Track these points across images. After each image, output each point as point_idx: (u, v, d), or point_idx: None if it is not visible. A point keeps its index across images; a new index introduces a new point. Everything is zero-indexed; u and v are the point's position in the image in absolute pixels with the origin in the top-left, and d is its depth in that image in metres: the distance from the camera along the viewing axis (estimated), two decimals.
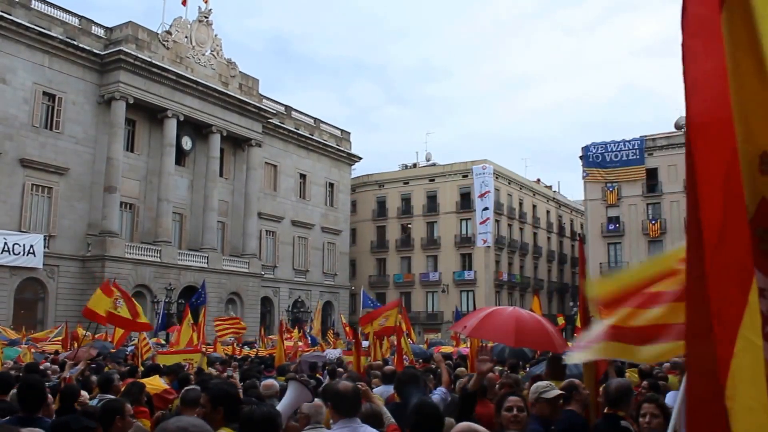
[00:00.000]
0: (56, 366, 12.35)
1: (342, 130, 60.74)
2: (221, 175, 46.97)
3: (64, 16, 39.13)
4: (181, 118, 42.88)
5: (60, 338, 22.20)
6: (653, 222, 55.26)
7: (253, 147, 48.46)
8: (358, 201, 65.46)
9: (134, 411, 5.62)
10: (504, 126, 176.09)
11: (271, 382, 7.88)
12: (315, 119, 57.45)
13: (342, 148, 59.60)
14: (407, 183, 65.79)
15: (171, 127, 42.37)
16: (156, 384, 8.02)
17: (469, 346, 12.86)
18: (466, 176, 61.78)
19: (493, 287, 60.55)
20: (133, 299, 16.65)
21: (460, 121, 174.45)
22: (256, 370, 12.25)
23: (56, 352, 18.64)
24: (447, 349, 24.18)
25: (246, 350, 25.75)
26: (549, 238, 72.22)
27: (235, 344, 25.92)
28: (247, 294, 46.82)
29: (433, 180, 64.42)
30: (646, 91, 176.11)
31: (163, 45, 42.35)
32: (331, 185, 58.59)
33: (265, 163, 51.26)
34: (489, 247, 59.70)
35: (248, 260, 47.29)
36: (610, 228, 56.97)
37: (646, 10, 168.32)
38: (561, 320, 39.26)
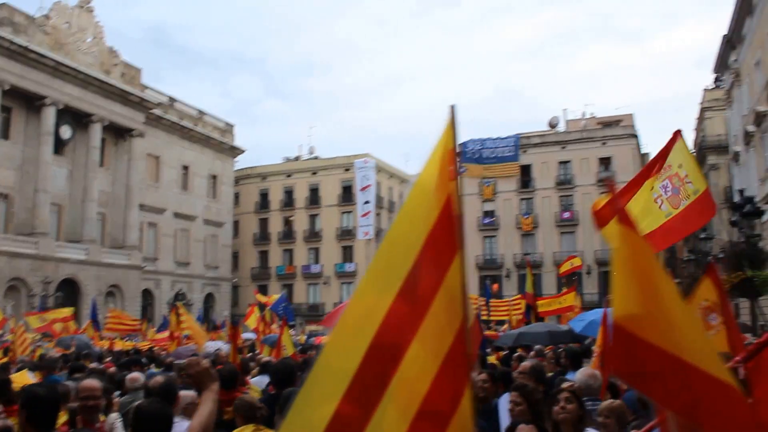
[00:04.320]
0: None
1: (226, 123, 60.45)
2: (102, 165, 45.81)
3: None
4: (61, 106, 41.57)
5: None
6: (526, 216, 57.98)
7: (135, 137, 47.57)
8: (241, 193, 65.37)
9: (4, 410, 5.42)
10: (385, 121, 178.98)
11: (137, 375, 7.66)
12: (198, 111, 56.92)
13: (225, 141, 59.36)
14: (290, 176, 66.33)
15: (49, 115, 40.99)
16: (23, 380, 7.31)
17: None
18: (348, 170, 63.11)
19: None
20: None
21: (343, 116, 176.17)
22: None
23: None
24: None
25: (125, 343, 25.71)
26: None
27: (120, 337, 25.94)
28: (127, 286, 46.04)
29: (316, 173, 65.34)
30: (519, 91, 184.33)
31: (42, 30, 40.87)
32: (214, 177, 58.27)
33: (147, 154, 50.36)
34: (370, 239, 61.33)
35: (129, 252, 46.50)
36: (486, 222, 59.59)
37: (518, 14, 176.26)
38: None
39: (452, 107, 2.24)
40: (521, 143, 59.75)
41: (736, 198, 21.87)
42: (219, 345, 17.52)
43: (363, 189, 61.10)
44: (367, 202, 60.85)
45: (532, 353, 11.54)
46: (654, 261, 2.09)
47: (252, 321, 19.69)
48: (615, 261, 2.15)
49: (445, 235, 2.16)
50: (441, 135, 2.25)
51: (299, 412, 1.94)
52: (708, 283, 5.43)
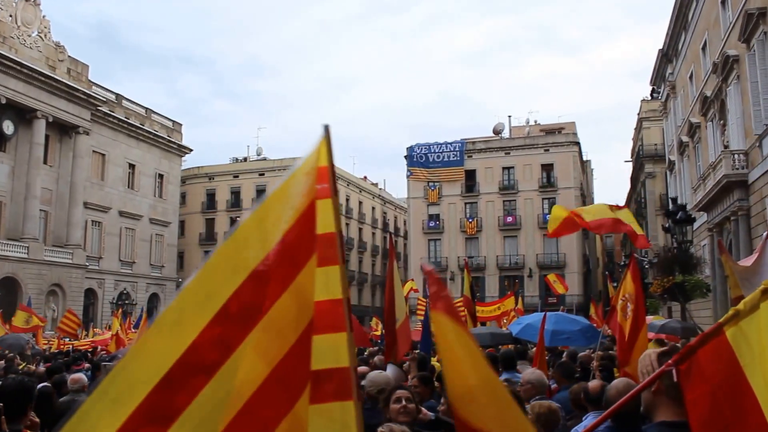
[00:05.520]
0: None
1: (173, 122, 59.88)
2: (45, 162, 44.97)
3: None
4: (3, 101, 40.72)
5: None
6: (470, 220, 59.24)
7: (80, 134, 46.84)
8: (187, 193, 64.89)
9: None
10: (333, 124, 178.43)
11: (79, 376, 7.75)
12: (146, 109, 56.26)
13: (173, 140, 58.79)
14: (237, 176, 66.19)
15: None
16: None
17: None
18: None
19: None
20: None
21: (291, 118, 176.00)
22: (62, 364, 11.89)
23: None
24: None
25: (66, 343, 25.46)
26: (374, 234, 75.57)
27: (60, 337, 25.70)
28: (69, 285, 45.29)
29: (263, 174, 65.29)
30: (464, 97, 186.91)
31: None
32: (161, 176, 57.65)
33: (93, 151, 49.58)
34: None
35: (72, 251, 45.74)
36: (431, 225, 60.65)
37: (463, 22, 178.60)
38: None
39: (326, 127, 2.02)
40: (466, 149, 61.14)
41: (670, 206, 23.01)
42: None
43: None
44: None
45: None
46: (468, 340, 2.23)
47: None
48: (438, 348, 2.26)
49: (299, 245, 1.97)
50: (311, 153, 2.00)
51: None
52: (629, 277, 6.17)
